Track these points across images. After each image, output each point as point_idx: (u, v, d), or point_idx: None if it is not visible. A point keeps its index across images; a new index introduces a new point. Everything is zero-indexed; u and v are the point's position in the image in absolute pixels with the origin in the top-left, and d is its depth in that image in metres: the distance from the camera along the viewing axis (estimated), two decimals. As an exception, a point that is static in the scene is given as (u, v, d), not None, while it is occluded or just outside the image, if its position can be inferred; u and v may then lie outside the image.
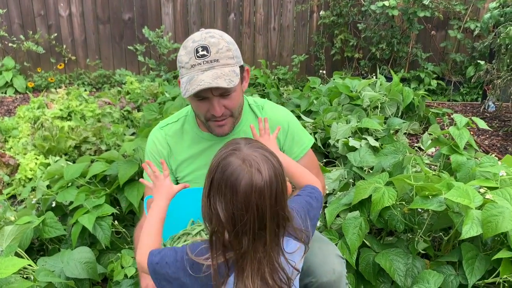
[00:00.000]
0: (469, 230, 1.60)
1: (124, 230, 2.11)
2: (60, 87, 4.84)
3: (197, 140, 1.56)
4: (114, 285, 1.84)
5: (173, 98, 3.46)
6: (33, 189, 2.62)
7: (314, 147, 3.06)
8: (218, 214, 0.93)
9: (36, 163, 2.85)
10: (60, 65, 5.39)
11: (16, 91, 5.17)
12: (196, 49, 1.32)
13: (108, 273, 1.91)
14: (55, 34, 5.28)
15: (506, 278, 1.58)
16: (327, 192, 2.35)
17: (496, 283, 1.62)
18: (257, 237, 0.94)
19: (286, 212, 0.99)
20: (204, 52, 1.32)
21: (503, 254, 1.59)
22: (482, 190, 1.70)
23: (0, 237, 1.73)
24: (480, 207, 1.64)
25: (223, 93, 1.36)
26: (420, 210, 1.92)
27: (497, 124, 3.99)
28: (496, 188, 1.77)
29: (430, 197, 1.78)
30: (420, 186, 1.81)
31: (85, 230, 1.97)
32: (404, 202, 1.89)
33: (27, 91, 5.16)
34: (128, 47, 5.29)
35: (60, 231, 1.91)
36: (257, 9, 5.21)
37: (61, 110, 3.67)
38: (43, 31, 5.28)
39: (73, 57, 5.39)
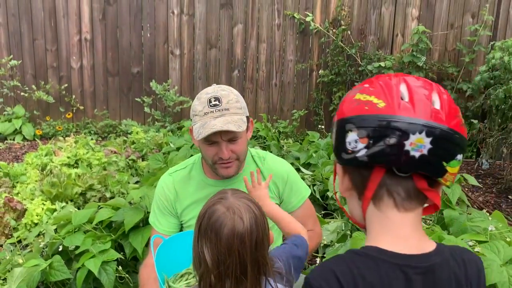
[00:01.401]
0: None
1: (127, 276, 2.16)
2: (67, 135, 5.00)
3: (202, 185, 1.68)
4: (116, 330, 1.88)
5: (178, 149, 3.60)
6: (39, 234, 2.69)
7: (313, 199, 3.16)
8: (205, 258, 1.01)
9: (43, 209, 2.94)
10: (69, 114, 5.59)
11: (24, 138, 5.32)
12: (209, 99, 1.51)
13: (110, 318, 1.95)
14: (66, 85, 5.52)
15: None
16: (325, 243, 2.42)
17: (488, 335, 1.67)
18: (239, 280, 1.01)
19: (267, 259, 1.07)
20: (216, 102, 1.50)
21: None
22: (471, 243, 1.78)
23: (9, 279, 1.79)
24: (470, 260, 1.72)
25: (231, 138, 1.53)
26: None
27: (491, 181, 4.10)
28: (485, 242, 1.86)
29: (423, 249, 1.86)
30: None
31: (90, 274, 2.03)
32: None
33: (35, 138, 5.31)
34: (136, 99, 5.51)
35: (66, 274, 1.98)
36: (260, 67, 5.48)
37: (68, 157, 3.79)
38: (54, 82, 5.52)
39: (82, 107, 5.59)
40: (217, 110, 1.50)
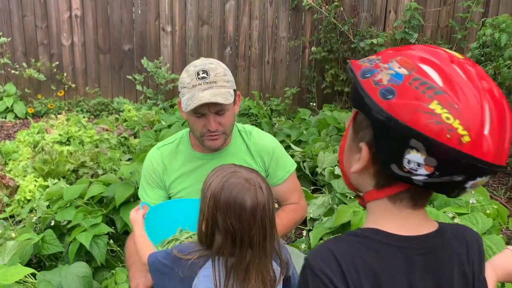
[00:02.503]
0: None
1: (118, 249, 2.22)
2: (59, 113, 5.00)
3: (190, 159, 1.71)
4: (108, 300, 1.94)
5: (169, 126, 3.62)
6: (32, 210, 2.73)
7: (303, 175, 3.21)
8: (229, 229, 1.07)
9: (35, 185, 2.97)
10: (60, 92, 5.56)
11: (16, 117, 5.31)
12: (197, 72, 1.54)
13: (102, 290, 2.01)
14: (57, 63, 5.48)
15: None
16: (312, 216, 2.48)
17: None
18: (261, 247, 1.09)
19: (276, 226, 1.16)
20: (204, 75, 1.53)
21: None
22: (450, 215, 1.84)
23: (2, 251, 1.83)
24: (450, 231, 1.78)
25: (219, 111, 1.56)
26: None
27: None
28: (466, 214, 1.92)
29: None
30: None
31: (82, 247, 2.08)
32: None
33: (27, 117, 5.31)
34: (127, 76, 5.49)
35: (58, 248, 2.03)
36: (252, 44, 5.45)
37: (60, 135, 3.81)
38: (45, 59, 5.48)
39: (73, 85, 5.57)
40: (205, 83, 1.52)
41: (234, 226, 1.06)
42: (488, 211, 1.94)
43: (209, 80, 1.53)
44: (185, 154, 1.73)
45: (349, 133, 0.82)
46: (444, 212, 1.94)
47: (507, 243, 1.89)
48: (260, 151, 1.74)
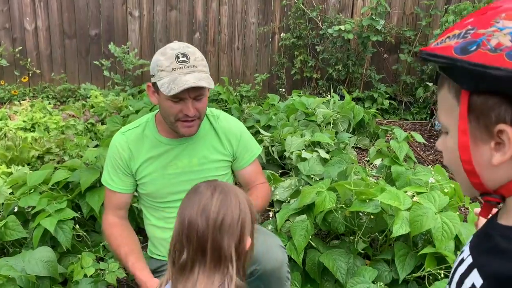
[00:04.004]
0: (399, 229, 1.81)
1: (85, 234, 2.20)
2: (24, 100, 4.86)
3: (155, 143, 1.71)
4: (74, 284, 1.93)
5: (137, 111, 3.58)
6: (-5, 197, 2.66)
7: (271, 159, 3.25)
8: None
9: (-3, 172, 2.89)
10: (24, 78, 5.40)
11: (-22, 103, 5.14)
12: (177, 55, 1.51)
13: (68, 274, 2.00)
14: (20, 47, 5.31)
15: (429, 271, 1.78)
16: (278, 198, 2.52)
17: (422, 276, 1.83)
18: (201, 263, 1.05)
19: (233, 252, 1.04)
20: (184, 59, 1.51)
21: (427, 250, 1.80)
22: (410, 193, 1.91)
23: (-38, 238, 1.79)
24: (409, 209, 1.85)
25: (197, 96, 1.55)
26: (360, 214, 2.12)
27: (442, 141, 4.30)
28: (425, 192, 1.99)
29: (368, 201, 1.98)
30: (359, 191, 2.01)
31: (47, 233, 2.06)
32: (346, 207, 2.09)
33: (-11, 103, 5.13)
34: (94, 62, 5.37)
35: (21, 233, 1.99)
36: (222, 29, 5.42)
37: (24, 121, 3.71)
38: (8, 44, 5.30)
39: (38, 71, 5.41)
40: (186, 67, 1.50)
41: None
42: (446, 190, 2.02)
43: (189, 64, 1.50)
44: (150, 139, 1.72)
45: (468, 126, 0.66)
46: (405, 192, 2.02)
47: (464, 221, 1.97)
48: (228, 135, 1.75)
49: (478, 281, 0.64)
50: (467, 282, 0.66)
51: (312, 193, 2.04)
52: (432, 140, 4.36)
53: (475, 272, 0.65)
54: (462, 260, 0.71)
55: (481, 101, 0.63)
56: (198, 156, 1.71)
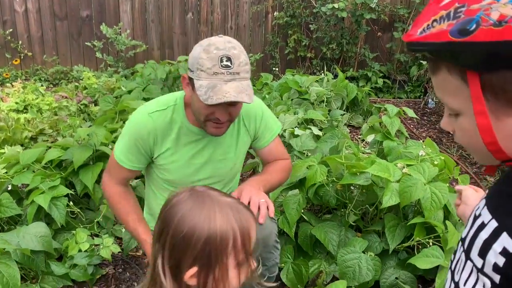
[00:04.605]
0: (389, 199, 1.83)
1: (79, 211, 2.21)
2: (15, 82, 4.82)
3: (185, 132, 1.61)
4: (69, 259, 1.96)
5: (129, 92, 3.57)
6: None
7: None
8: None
9: (-9, 153, 2.89)
10: (16, 61, 5.35)
11: (-31, 87, 5.10)
12: (221, 58, 1.38)
13: (63, 250, 2.02)
14: (11, 30, 5.25)
15: (419, 240, 1.81)
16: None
17: (412, 246, 1.86)
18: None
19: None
20: (228, 63, 1.38)
21: (417, 220, 1.83)
22: (400, 166, 1.93)
23: (-44, 214, 1.81)
24: (398, 181, 1.87)
25: (233, 102, 1.45)
26: (351, 187, 2.14)
27: (435, 119, 4.32)
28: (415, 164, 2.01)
29: (358, 174, 2.00)
30: (350, 165, 2.03)
31: (41, 210, 2.07)
32: (338, 180, 2.11)
33: (-19, 87, 5.10)
34: (86, 43, 5.32)
35: (16, 210, 2.01)
36: (214, 9, 5.37)
37: (17, 103, 3.70)
38: (-2, 27, 5.24)
39: (29, 53, 5.36)
40: (228, 73, 1.38)
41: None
42: (436, 162, 2.04)
43: (232, 71, 1.38)
44: (179, 126, 1.61)
45: (486, 105, 0.62)
46: (396, 165, 2.04)
47: (454, 192, 2.00)
48: (251, 116, 1.69)
49: (511, 244, 0.60)
50: (496, 247, 0.62)
51: (303, 167, 2.05)
52: (425, 118, 4.37)
53: (504, 236, 0.61)
54: (483, 225, 0.66)
55: (497, 78, 0.59)
56: (224, 146, 1.66)
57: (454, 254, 0.79)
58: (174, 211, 0.86)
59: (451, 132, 0.72)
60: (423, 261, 1.62)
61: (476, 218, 0.70)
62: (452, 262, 0.79)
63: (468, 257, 0.69)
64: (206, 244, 0.82)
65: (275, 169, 1.76)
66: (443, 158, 2.09)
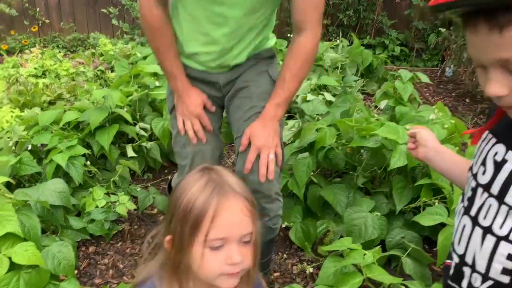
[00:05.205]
0: (397, 161, 1.85)
1: (96, 170, 2.30)
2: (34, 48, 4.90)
3: None
4: (86, 215, 2.05)
5: (144, 58, 3.60)
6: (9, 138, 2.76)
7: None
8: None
9: (12, 116, 2.98)
10: (34, 28, 5.42)
11: (-10, 53, 5.20)
12: None
13: (81, 207, 2.11)
14: (28, -3, 5.30)
15: (425, 202, 1.84)
16: (284, 141, 2.56)
17: (418, 207, 1.89)
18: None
19: None
20: None
21: (424, 181, 1.85)
22: (408, 127, 1.93)
23: (-20, 170, 1.90)
24: (407, 143, 1.88)
25: None
26: (361, 151, 2.16)
27: (452, 87, 4.26)
28: (424, 128, 2.02)
29: (368, 136, 2.01)
30: (360, 128, 2.04)
31: (59, 169, 2.16)
32: (348, 144, 2.13)
33: (1, 53, 5.19)
34: (102, 10, 5.34)
35: (36, 168, 2.09)
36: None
37: (35, 68, 3.77)
38: (16, -7, 5.29)
39: (47, 21, 5.41)
40: None
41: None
42: (446, 126, 2.04)
43: None
44: None
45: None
46: (407, 129, 2.04)
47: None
48: None
49: None
50: None
51: (313, 129, 2.08)
52: (441, 86, 4.31)
53: None
54: (504, 161, 0.69)
55: None
56: None
57: (470, 201, 0.79)
58: (181, 181, 0.88)
59: (502, 95, 0.66)
60: (426, 219, 1.65)
61: (502, 163, 0.72)
62: (468, 208, 0.79)
63: (502, 202, 0.71)
64: (184, 214, 0.82)
65: (294, 72, 1.46)
66: (453, 121, 2.09)
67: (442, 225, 1.71)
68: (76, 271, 1.88)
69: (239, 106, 1.54)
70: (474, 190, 0.79)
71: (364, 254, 1.51)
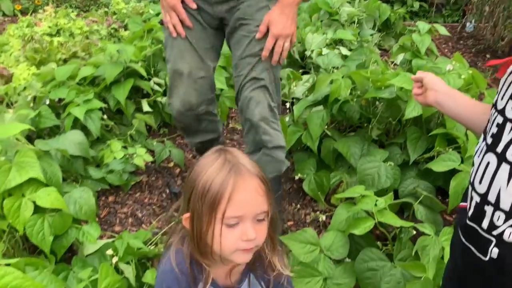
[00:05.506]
0: (412, 111, 1.84)
1: (113, 124, 2.34)
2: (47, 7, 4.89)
3: None
4: (105, 166, 2.10)
5: (157, 14, 3.57)
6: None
7: (293, 61, 3.24)
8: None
9: (28, 73, 3.02)
10: (46, -13, 5.39)
11: (4, 14, 5.21)
12: None
13: (100, 159, 2.16)
14: (39, -45, 5.24)
15: (440, 151, 1.83)
16: (296, 97, 2.56)
17: (432, 156, 1.89)
18: None
19: None
20: None
21: (438, 130, 1.85)
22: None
23: (0, 122, 1.95)
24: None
25: None
26: (376, 102, 2.15)
27: (472, 43, 4.15)
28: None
29: (383, 88, 2.00)
30: (375, 79, 2.02)
31: (77, 123, 2.20)
32: (362, 95, 2.12)
33: (15, 13, 5.20)
34: (114, -32, 5.26)
35: (54, 121, 2.14)
36: None
37: (49, 27, 3.77)
38: (27, -48, 5.23)
39: (59, -20, 5.37)
40: None
41: None
42: (463, 76, 2.01)
43: None
44: None
45: None
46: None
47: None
48: None
49: None
50: None
51: (327, 80, 2.07)
52: (461, 42, 4.20)
53: None
54: None
55: None
56: None
57: (496, 137, 0.77)
58: (198, 162, 0.92)
59: None
60: (439, 165, 1.66)
61: None
62: (494, 145, 0.77)
63: None
64: (202, 193, 0.85)
65: None
66: (471, 72, 2.05)
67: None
68: (96, 219, 1.94)
69: (238, 42, 1.59)
70: (501, 126, 0.77)
71: (376, 200, 1.53)
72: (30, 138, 2.23)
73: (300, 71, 3.11)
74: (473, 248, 0.85)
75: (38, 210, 1.50)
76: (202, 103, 1.68)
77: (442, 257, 1.38)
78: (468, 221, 0.85)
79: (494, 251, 0.79)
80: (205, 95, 1.68)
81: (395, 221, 1.44)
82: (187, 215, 0.90)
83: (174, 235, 0.98)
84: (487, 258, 0.81)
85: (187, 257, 0.92)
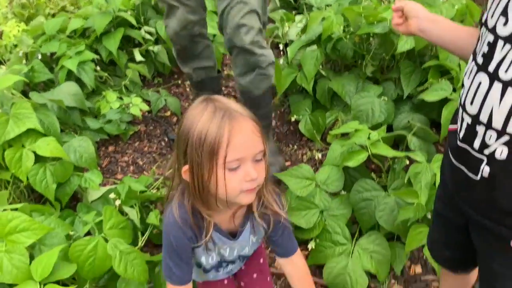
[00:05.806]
0: (404, 44, 1.83)
1: (107, 75, 2.33)
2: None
3: None
4: (102, 117, 2.12)
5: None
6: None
7: (286, 3, 3.17)
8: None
9: (18, 30, 2.98)
10: None
11: (-12, -28, 5.05)
12: None
13: (96, 110, 2.18)
14: None
15: (432, 82, 1.84)
16: (291, 39, 2.52)
17: (425, 89, 1.89)
18: None
19: None
20: None
21: (431, 62, 1.85)
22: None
23: (-6, 77, 1.95)
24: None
25: None
26: (370, 39, 2.13)
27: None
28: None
29: (376, 22, 1.97)
30: (368, 14, 1.99)
31: (71, 74, 2.20)
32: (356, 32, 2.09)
33: (-1, -29, 5.04)
34: None
35: (48, 75, 2.14)
36: None
37: (35, -19, 3.67)
38: None
39: None
40: None
41: None
42: (456, 6, 1.97)
43: None
44: None
45: None
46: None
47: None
48: None
49: None
50: None
51: (319, 18, 2.04)
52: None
53: None
54: None
55: None
56: None
57: (487, 56, 0.76)
58: (186, 114, 0.92)
59: None
60: (431, 95, 1.67)
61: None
62: (485, 65, 0.77)
63: None
64: (199, 143, 0.86)
65: None
66: (464, 2, 2.01)
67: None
68: (98, 169, 1.99)
69: None
70: (492, 45, 0.76)
71: (369, 134, 1.55)
72: (25, 93, 2.24)
73: (293, 12, 3.05)
74: (464, 168, 0.85)
75: (39, 159, 1.53)
76: (197, 23, 1.76)
77: (434, 183, 1.42)
78: (459, 142, 0.85)
79: (485, 170, 0.79)
80: (199, 14, 1.76)
81: (388, 152, 1.47)
82: (186, 167, 0.90)
83: (173, 192, 1.01)
84: (478, 177, 0.81)
85: (189, 209, 0.95)
